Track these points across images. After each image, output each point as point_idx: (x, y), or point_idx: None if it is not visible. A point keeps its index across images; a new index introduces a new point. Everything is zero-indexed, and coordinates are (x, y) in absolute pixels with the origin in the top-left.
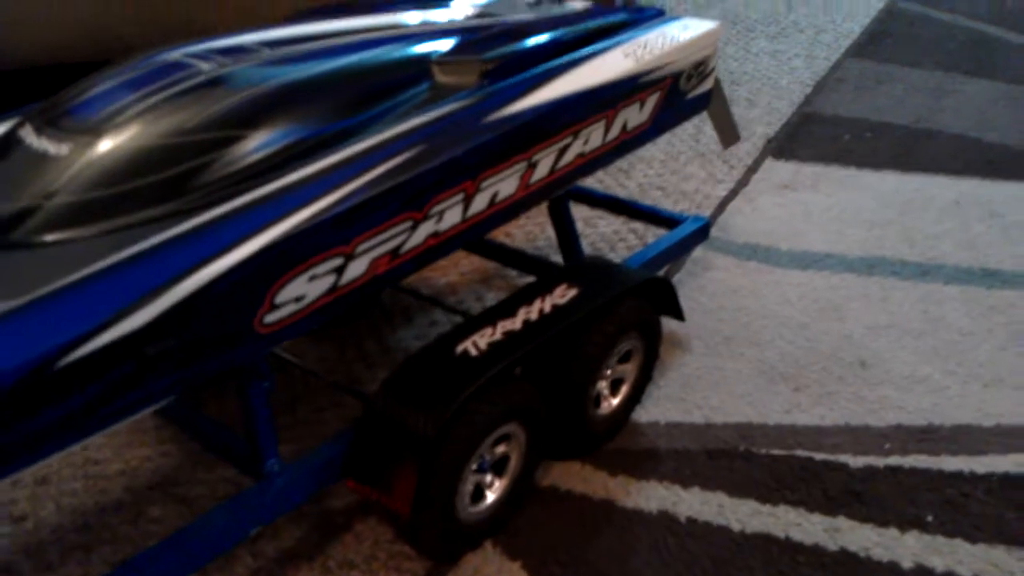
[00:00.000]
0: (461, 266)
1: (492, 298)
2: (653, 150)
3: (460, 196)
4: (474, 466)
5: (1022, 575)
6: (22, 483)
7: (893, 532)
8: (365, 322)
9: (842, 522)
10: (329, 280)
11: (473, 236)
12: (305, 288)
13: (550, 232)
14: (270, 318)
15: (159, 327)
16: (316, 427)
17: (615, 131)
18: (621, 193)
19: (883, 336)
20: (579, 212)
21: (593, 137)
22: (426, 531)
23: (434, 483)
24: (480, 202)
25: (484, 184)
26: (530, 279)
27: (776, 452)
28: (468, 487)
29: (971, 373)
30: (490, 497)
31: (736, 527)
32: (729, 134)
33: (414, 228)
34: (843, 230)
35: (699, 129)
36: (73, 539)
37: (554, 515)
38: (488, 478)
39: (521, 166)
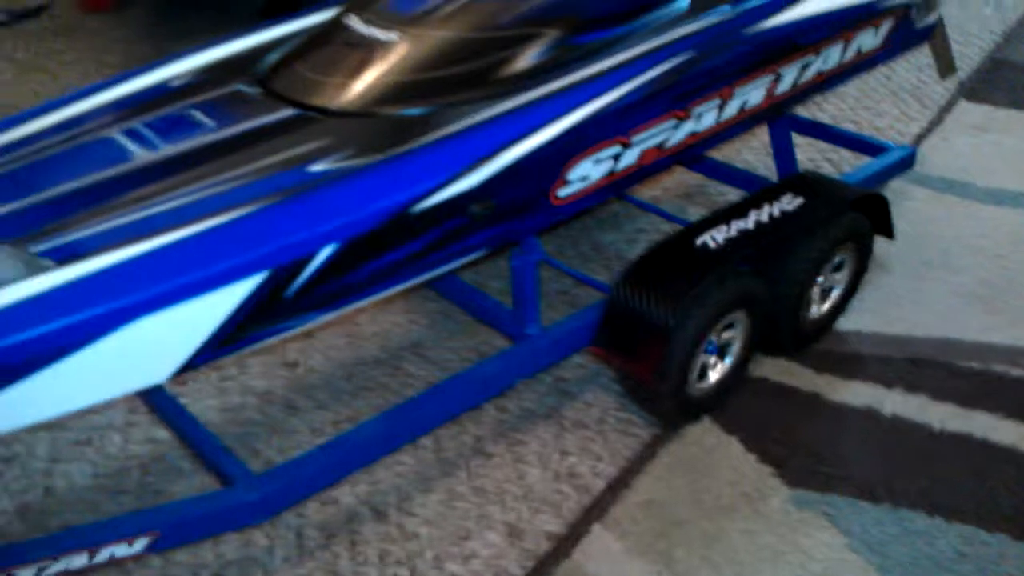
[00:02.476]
0: (663, 181)
1: (694, 212)
2: (846, 87)
3: (717, 101)
4: (705, 347)
5: None
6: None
7: None
8: (576, 224)
9: None
10: (608, 164)
11: (723, 139)
12: (590, 169)
13: (746, 156)
14: (563, 192)
15: (484, 189)
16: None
17: (851, 52)
18: None
19: None
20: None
21: (832, 56)
22: (660, 399)
23: (674, 359)
24: (732, 108)
25: (738, 91)
26: (730, 196)
27: (974, 365)
28: (698, 364)
29: None
30: (713, 377)
31: (936, 426)
32: (947, 65)
33: (677, 126)
34: None
35: (892, 68)
36: (340, 385)
37: (766, 402)
38: (713, 359)
39: (769, 78)
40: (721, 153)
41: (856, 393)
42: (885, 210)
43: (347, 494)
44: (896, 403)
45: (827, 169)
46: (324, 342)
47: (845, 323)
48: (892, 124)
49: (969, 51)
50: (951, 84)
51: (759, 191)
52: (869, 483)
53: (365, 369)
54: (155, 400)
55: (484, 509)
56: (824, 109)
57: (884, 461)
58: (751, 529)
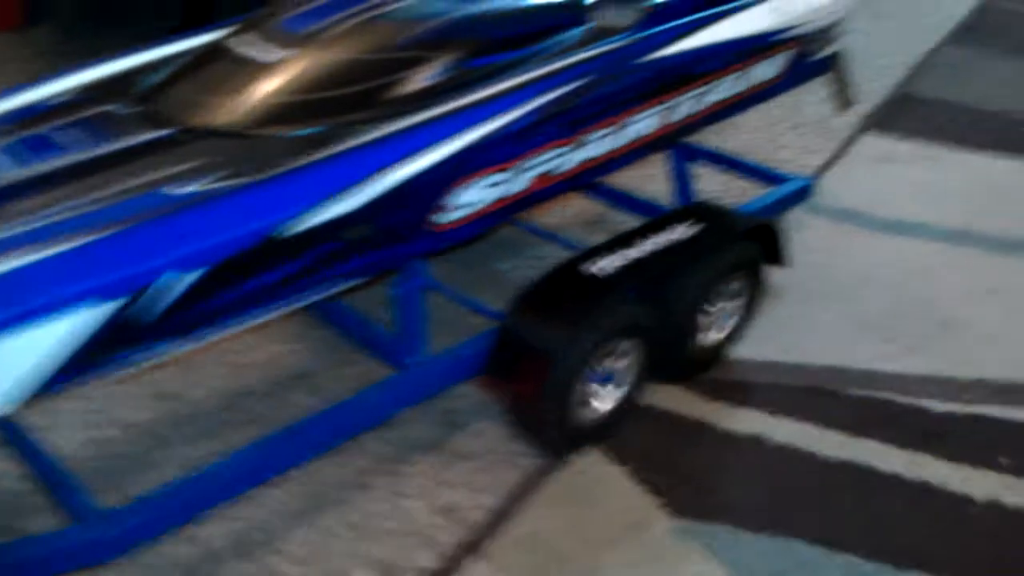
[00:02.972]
0: (567, 209)
1: (596, 240)
2: (750, 117)
3: (609, 129)
4: (591, 375)
5: None
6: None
7: (968, 470)
8: (474, 252)
9: (921, 457)
10: (497, 190)
11: (618, 166)
12: (477, 195)
13: (647, 187)
14: (445, 217)
15: (360, 214)
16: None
17: (747, 83)
18: None
19: (970, 300)
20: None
21: (727, 86)
22: (545, 429)
23: (558, 385)
24: (625, 136)
25: (630, 119)
26: (632, 224)
27: (863, 393)
28: (584, 393)
29: None
30: (601, 406)
31: (822, 454)
32: (845, 99)
33: (569, 153)
34: (936, 203)
35: (798, 99)
36: (219, 417)
37: (656, 430)
38: (604, 388)
39: (662, 107)
40: (633, 182)
41: (746, 421)
42: (778, 239)
43: (210, 531)
44: (785, 431)
45: (733, 199)
46: (205, 372)
47: (739, 351)
48: (794, 157)
49: (875, 84)
50: (855, 117)
51: (652, 220)
52: (754, 513)
53: (247, 401)
54: (5, 430)
55: (357, 545)
56: (727, 140)
57: (770, 490)
58: (632, 561)
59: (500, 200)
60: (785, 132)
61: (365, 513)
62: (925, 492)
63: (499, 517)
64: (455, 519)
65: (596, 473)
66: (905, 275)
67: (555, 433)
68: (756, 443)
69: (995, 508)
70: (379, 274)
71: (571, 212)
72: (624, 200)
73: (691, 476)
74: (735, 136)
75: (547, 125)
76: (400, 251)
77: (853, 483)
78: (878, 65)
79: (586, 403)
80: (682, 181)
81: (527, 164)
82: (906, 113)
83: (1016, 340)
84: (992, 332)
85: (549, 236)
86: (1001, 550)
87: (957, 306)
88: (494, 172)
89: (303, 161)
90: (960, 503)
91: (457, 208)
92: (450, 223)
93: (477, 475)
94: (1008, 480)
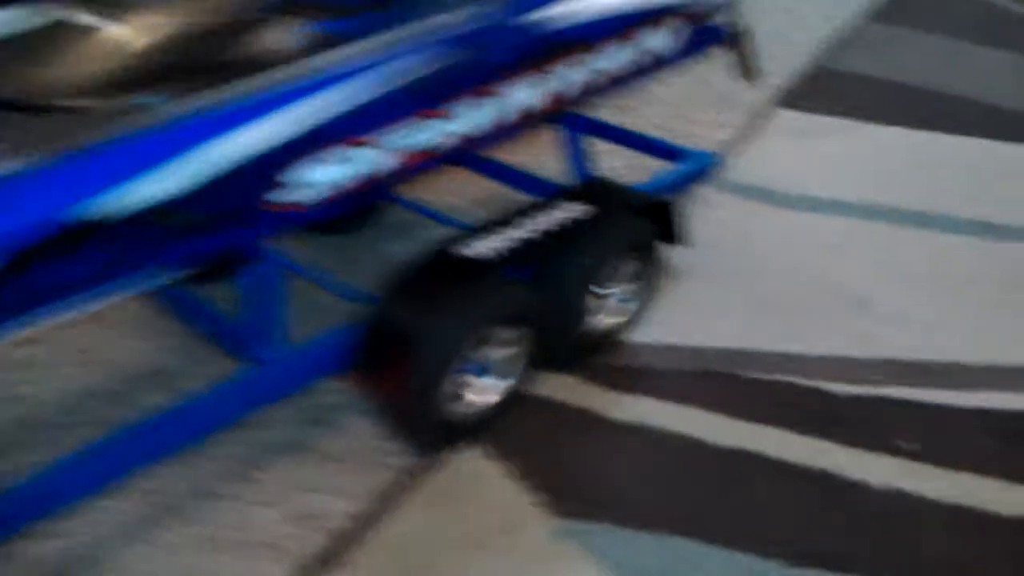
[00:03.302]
0: (465, 190)
1: None
2: (662, 92)
3: (480, 100)
4: (467, 365)
5: (992, 502)
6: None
7: (870, 455)
8: (362, 233)
9: (823, 444)
10: (349, 168)
11: (498, 140)
12: (323, 173)
13: (547, 164)
14: (288, 197)
15: (184, 193)
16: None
17: (637, 52)
18: None
19: (881, 277)
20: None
21: (617, 56)
22: (417, 424)
23: (429, 378)
24: (502, 108)
25: (504, 90)
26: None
27: (764, 377)
28: (460, 386)
29: (966, 317)
30: (480, 398)
31: (719, 442)
32: (751, 70)
33: (432, 127)
34: (849, 178)
35: (711, 76)
36: (57, 421)
37: (543, 422)
38: (481, 380)
39: (543, 77)
40: (542, 162)
41: (640, 410)
42: (675, 217)
43: (34, 550)
44: (679, 419)
45: (634, 178)
46: (49, 371)
47: (638, 335)
48: (707, 132)
49: (793, 60)
50: (771, 92)
51: (539, 198)
52: (639, 509)
53: (93, 403)
54: None
55: (201, 560)
56: (640, 114)
57: (659, 484)
58: (505, 567)
59: (359, 178)
60: (699, 108)
61: (214, 524)
62: (822, 480)
63: (363, 523)
64: (313, 527)
65: (473, 472)
66: (814, 253)
67: (426, 430)
68: (647, 433)
69: (892, 494)
70: (221, 261)
71: (471, 193)
72: (526, 181)
73: (575, 471)
74: (646, 112)
75: (403, 97)
76: (239, 234)
77: (746, 473)
78: (797, 40)
79: (460, 396)
80: (577, 157)
81: (387, 138)
82: (823, 88)
83: (925, 318)
84: (901, 310)
85: (445, 219)
86: (897, 539)
87: (866, 284)
88: (347, 147)
89: (111, 135)
90: (857, 491)
91: (304, 186)
92: (298, 202)
93: (341, 478)
94: (906, 464)
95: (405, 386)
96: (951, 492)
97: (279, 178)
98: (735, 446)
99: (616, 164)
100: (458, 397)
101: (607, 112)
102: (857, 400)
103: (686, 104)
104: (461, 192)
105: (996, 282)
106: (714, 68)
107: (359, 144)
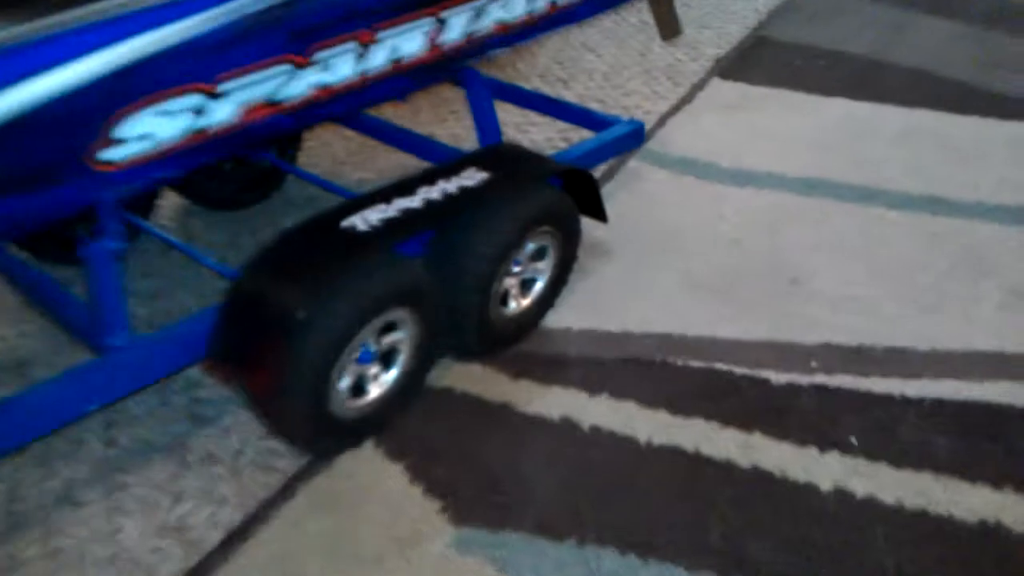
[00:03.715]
0: (378, 161)
1: None
2: (596, 63)
3: (353, 46)
4: (354, 354)
5: (948, 504)
6: None
7: (812, 452)
8: (264, 208)
9: (757, 439)
10: (188, 119)
11: (371, 98)
12: (157, 124)
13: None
14: (108, 155)
15: None
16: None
17: (541, 2)
18: None
19: (819, 256)
20: (509, 117)
21: (515, 4)
22: (295, 423)
23: (304, 368)
24: (379, 57)
25: (382, 36)
26: None
27: (694, 364)
28: (346, 378)
29: (909, 297)
30: (373, 392)
31: (643, 438)
32: (669, 26)
33: (295, 74)
34: (787, 151)
35: (647, 46)
36: None
37: (445, 417)
38: (373, 370)
39: (428, 22)
40: (450, 133)
41: (554, 402)
42: (593, 188)
43: None
44: (600, 413)
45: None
46: None
47: (556, 319)
48: (640, 103)
49: (731, 28)
50: (707, 63)
51: (436, 165)
52: (554, 515)
53: None
54: None
55: None
56: (570, 87)
57: (576, 486)
58: None
59: (196, 134)
60: (633, 78)
61: (72, 537)
62: (760, 481)
63: (240, 536)
64: (184, 540)
65: (366, 475)
66: (749, 229)
67: (305, 430)
68: (565, 428)
69: (843, 497)
70: (60, 233)
71: (381, 165)
72: (438, 152)
73: (483, 473)
74: (576, 81)
75: (256, 36)
76: (55, 197)
77: (676, 473)
78: (733, 9)
79: (346, 389)
80: (485, 122)
81: (231, 87)
82: (760, 57)
83: (868, 298)
84: (842, 291)
85: (350, 195)
86: (844, 547)
87: (805, 262)
88: (182, 95)
89: None
90: (803, 493)
91: (129, 141)
92: (123, 161)
93: (219, 483)
94: (858, 463)
95: (275, 381)
96: (902, 493)
97: (101, 130)
98: (663, 443)
99: (542, 137)
100: (344, 390)
101: (528, 81)
102: (796, 389)
103: (620, 75)
104: (371, 165)
105: (943, 261)
106: (650, 37)
107: (204, 91)
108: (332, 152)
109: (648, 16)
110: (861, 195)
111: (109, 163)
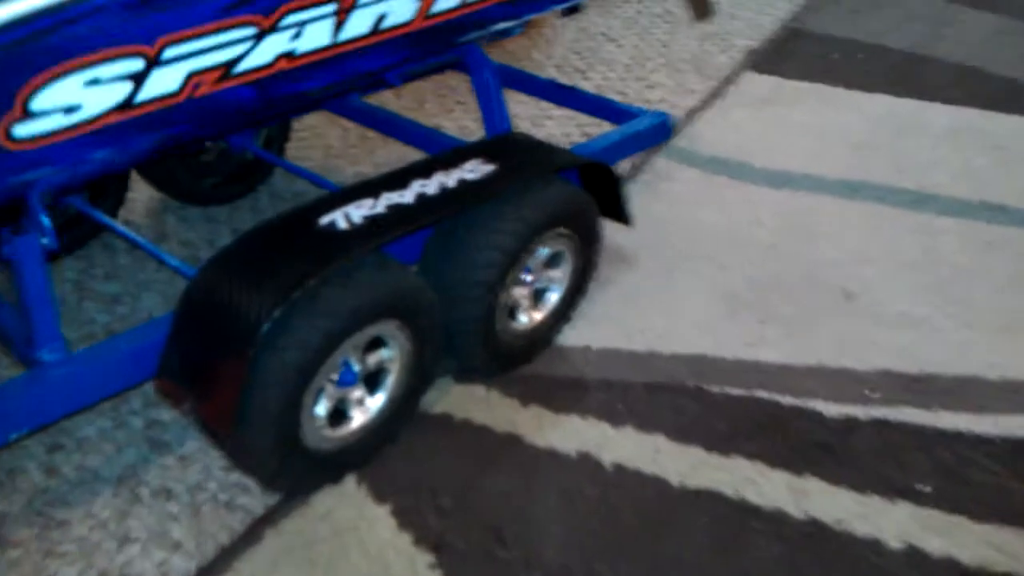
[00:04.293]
0: (377, 154)
1: None
2: (617, 53)
3: (329, 9)
4: (332, 375)
5: None
6: None
7: (876, 501)
8: (247, 204)
9: (811, 483)
10: (121, 89)
11: (347, 71)
12: (80, 95)
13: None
14: (24, 130)
15: None
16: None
17: None
18: None
19: (868, 266)
20: (523, 110)
21: None
22: (255, 456)
23: (268, 392)
24: (358, 24)
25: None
26: None
27: (733, 392)
28: (323, 403)
29: (971, 315)
30: (357, 419)
31: (675, 479)
32: (702, 6)
33: (258, 39)
34: (826, 150)
35: (671, 36)
36: None
37: (442, 449)
38: (356, 394)
39: None
40: (457, 124)
41: (570, 434)
42: (616, 187)
43: None
44: (623, 448)
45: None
46: None
47: (572, 335)
48: (665, 96)
49: (763, 19)
50: (738, 55)
51: (434, 155)
52: (572, 569)
53: None
54: None
55: None
56: (588, 77)
57: (593, 539)
58: None
59: (134, 108)
60: (657, 69)
61: None
62: (813, 533)
63: None
64: None
65: (347, 518)
66: (788, 236)
67: (270, 464)
68: (583, 466)
69: (915, 557)
70: None
71: (381, 159)
72: (443, 144)
73: (484, 521)
74: (595, 72)
75: None
76: None
77: (713, 521)
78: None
79: (328, 419)
80: (494, 109)
81: (180, 52)
82: (796, 50)
83: (926, 317)
84: (899, 307)
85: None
86: None
87: (853, 274)
88: (113, 58)
89: None
90: (865, 551)
91: (50, 114)
92: (42, 139)
93: (174, 523)
94: (931, 515)
95: (229, 405)
96: (982, 551)
97: (15, 100)
98: (699, 486)
99: (554, 132)
100: (321, 417)
101: (544, 72)
102: (853, 424)
103: (643, 67)
104: (370, 159)
105: (1002, 273)
106: (674, 27)
107: (142, 54)
108: (326, 143)
109: (673, 5)
110: (908, 200)
111: (26, 140)
